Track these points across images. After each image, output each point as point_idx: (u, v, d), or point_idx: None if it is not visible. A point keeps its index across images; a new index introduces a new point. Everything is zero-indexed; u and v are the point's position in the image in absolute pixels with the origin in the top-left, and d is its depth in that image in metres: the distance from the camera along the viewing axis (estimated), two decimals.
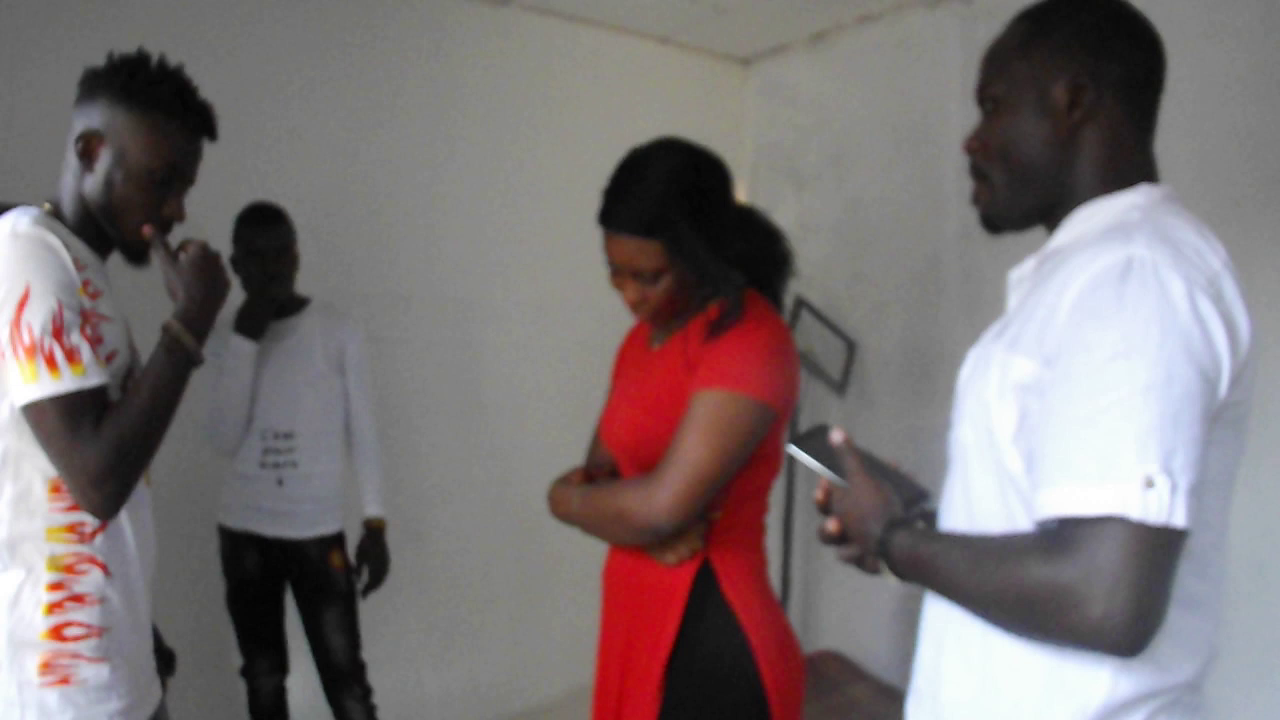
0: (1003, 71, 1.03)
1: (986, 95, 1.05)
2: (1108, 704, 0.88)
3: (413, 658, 3.03)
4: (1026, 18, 1.04)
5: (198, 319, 1.28)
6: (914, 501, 1.07)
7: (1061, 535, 0.83)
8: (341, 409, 2.42)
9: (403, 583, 2.72)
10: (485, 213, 3.15)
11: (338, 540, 2.42)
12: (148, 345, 1.29)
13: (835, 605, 3.46)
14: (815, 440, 1.13)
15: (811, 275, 3.11)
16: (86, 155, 1.27)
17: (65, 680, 1.21)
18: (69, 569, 1.22)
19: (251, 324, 2.26)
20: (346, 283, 2.79)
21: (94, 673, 1.23)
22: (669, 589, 1.40)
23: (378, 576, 2.44)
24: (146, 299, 1.58)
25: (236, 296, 2.06)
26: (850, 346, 3.29)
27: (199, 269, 1.30)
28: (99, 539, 1.25)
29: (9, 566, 1.21)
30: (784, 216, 2.81)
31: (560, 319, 3.31)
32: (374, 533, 2.43)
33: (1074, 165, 1.00)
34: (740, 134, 3.77)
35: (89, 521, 1.23)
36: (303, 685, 2.52)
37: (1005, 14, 1.07)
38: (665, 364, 1.45)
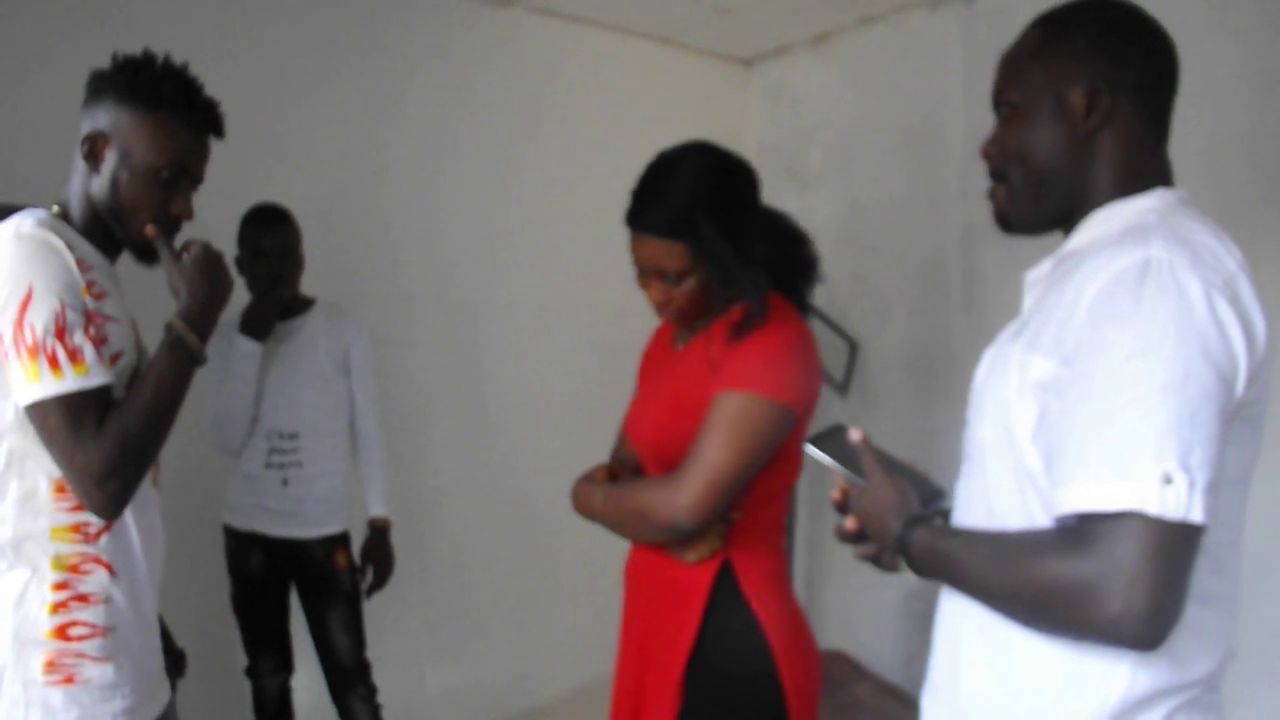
0: (1019, 77, 1.04)
1: (1003, 101, 1.06)
2: (1127, 698, 0.89)
3: (417, 657, 3.03)
4: (1042, 24, 1.04)
5: (200, 318, 1.28)
6: (930, 500, 1.08)
7: (1080, 531, 0.84)
8: (346, 409, 2.42)
9: (407, 582, 2.72)
10: (489, 213, 3.15)
11: (343, 540, 2.41)
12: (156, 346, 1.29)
13: (839, 604, 3.46)
14: (831, 439, 1.14)
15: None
16: (92, 156, 1.27)
17: (70, 679, 1.21)
18: (74, 569, 1.22)
19: (257, 325, 2.26)
20: (351, 283, 2.79)
21: (99, 672, 1.23)
22: (689, 587, 1.41)
23: (382, 576, 2.45)
24: (157, 301, 1.59)
25: (241, 297, 2.07)
26: (853, 347, 3.29)
27: (202, 268, 1.30)
28: (104, 539, 1.25)
29: (14, 566, 1.21)
30: None
31: (565, 320, 3.31)
32: (378, 533, 2.43)
33: (1090, 170, 1.01)
34: (742, 135, 3.77)
35: (94, 521, 1.23)
36: (308, 685, 2.52)
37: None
38: (688, 364, 1.47)
